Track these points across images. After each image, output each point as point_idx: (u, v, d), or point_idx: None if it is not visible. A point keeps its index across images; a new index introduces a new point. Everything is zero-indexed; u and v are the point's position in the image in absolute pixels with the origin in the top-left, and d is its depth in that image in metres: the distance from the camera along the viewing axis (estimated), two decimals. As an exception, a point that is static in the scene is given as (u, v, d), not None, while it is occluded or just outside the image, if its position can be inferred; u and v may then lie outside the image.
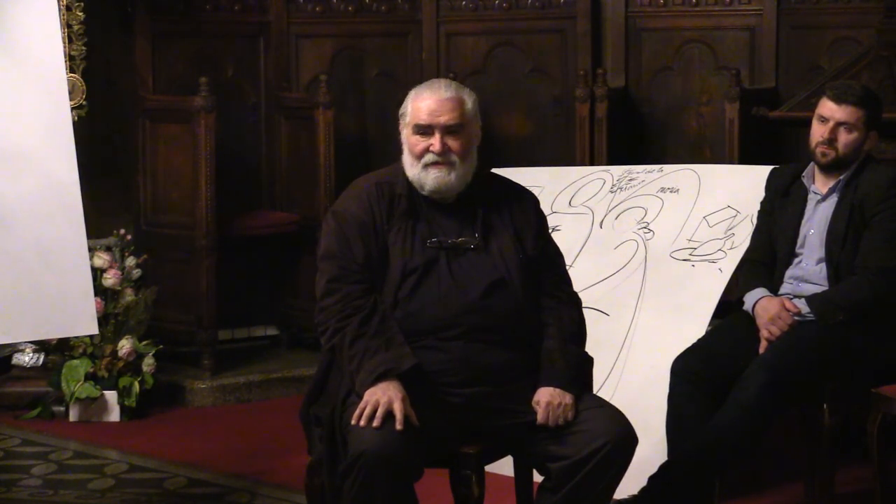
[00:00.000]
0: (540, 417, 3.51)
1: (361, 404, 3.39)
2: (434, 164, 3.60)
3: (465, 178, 3.64)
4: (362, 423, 3.36)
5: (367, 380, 3.43)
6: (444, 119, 3.60)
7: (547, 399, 3.52)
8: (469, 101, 3.65)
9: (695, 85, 6.58)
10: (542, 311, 3.66)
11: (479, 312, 3.56)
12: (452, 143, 3.60)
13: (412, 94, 3.67)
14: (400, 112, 3.70)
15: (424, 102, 3.61)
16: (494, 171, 3.91)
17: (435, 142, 3.59)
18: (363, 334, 3.49)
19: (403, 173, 3.68)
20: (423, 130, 3.61)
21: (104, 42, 6.22)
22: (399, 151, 3.72)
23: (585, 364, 3.68)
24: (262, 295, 6.64)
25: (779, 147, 6.15)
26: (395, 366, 3.45)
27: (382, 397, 3.38)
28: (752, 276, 4.54)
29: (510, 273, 3.61)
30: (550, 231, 3.88)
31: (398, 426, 3.35)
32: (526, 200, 3.78)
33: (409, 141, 3.64)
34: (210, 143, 6.01)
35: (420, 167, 3.62)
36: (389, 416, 3.36)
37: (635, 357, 4.80)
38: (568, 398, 3.53)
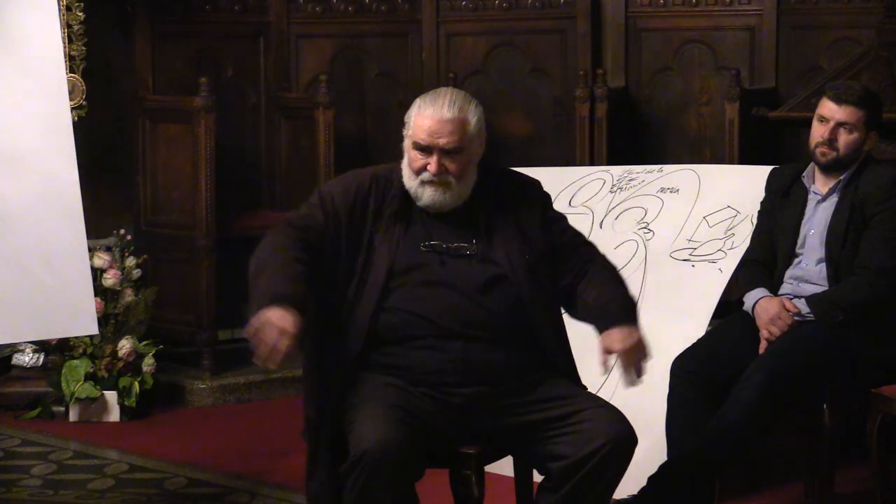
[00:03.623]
0: (623, 364, 3.44)
1: (251, 332, 3.42)
2: (430, 182, 3.56)
3: (462, 195, 3.59)
4: (263, 362, 3.42)
5: (265, 299, 3.49)
6: (442, 141, 3.53)
7: (620, 345, 3.44)
8: (473, 119, 3.56)
9: (695, 85, 6.59)
10: (577, 278, 3.62)
11: (478, 312, 3.54)
12: (450, 165, 3.54)
13: (417, 106, 3.60)
14: (405, 118, 3.64)
15: (426, 121, 3.54)
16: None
17: (432, 163, 3.53)
18: (283, 249, 3.53)
19: (401, 174, 3.66)
20: (422, 149, 3.56)
21: (104, 42, 6.21)
22: (399, 152, 3.71)
23: (634, 304, 3.63)
24: (263, 295, 6.63)
25: (779, 147, 6.16)
26: (293, 294, 3.45)
27: (271, 331, 3.41)
28: (752, 277, 4.54)
29: (514, 272, 3.58)
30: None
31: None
32: (528, 190, 3.73)
33: (409, 154, 3.59)
34: (210, 143, 6.00)
35: (417, 182, 3.57)
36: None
37: (635, 357, 4.79)
38: (636, 334, 3.48)
